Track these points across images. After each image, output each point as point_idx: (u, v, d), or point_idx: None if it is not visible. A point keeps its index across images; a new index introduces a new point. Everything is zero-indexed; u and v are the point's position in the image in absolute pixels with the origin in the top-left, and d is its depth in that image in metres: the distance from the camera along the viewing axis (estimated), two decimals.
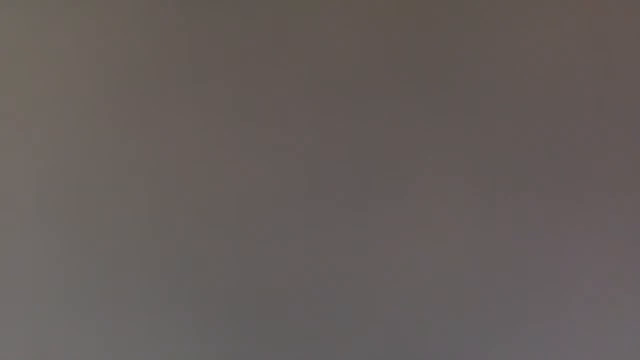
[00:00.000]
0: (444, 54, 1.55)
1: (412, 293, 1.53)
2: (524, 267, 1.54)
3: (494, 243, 1.54)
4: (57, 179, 1.50)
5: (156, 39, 1.53)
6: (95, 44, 1.52)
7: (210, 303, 1.51)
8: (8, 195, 1.50)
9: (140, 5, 1.53)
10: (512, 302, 1.54)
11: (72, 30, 1.52)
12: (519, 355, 1.53)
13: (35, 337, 1.50)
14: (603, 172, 1.55)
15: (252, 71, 1.53)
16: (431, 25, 1.55)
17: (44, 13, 1.52)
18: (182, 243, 1.52)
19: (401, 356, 1.53)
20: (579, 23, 1.56)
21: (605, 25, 1.56)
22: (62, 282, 1.50)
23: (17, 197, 1.50)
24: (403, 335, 1.53)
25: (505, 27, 1.55)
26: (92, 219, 1.51)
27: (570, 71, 1.56)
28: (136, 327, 1.51)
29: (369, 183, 1.53)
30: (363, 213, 1.53)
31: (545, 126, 1.55)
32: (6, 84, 1.51)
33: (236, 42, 1.53)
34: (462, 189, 1.54)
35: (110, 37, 1.52)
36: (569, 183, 1.55)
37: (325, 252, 1.53)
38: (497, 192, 1.54)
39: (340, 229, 1.53)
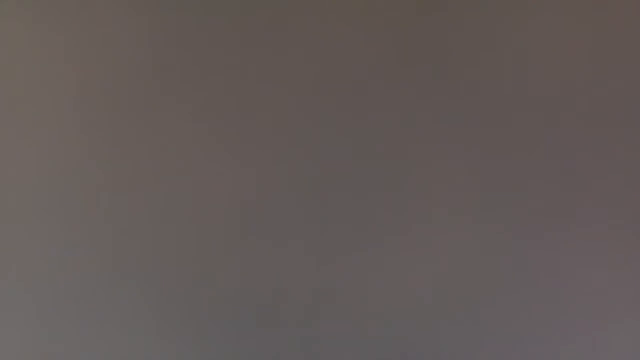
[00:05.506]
0: (445, 55, 1.55)
1: (412, 293, 1.54)
2: (523, 267, 1.54)
3: (494, 243, 1.54)
4: (57, 181, 1.51)
5: (157, 39, 1.53)
6: (96, 45, 1.52)
7: (210, 305, 1.52)
8: (8, 196, 1.50)
9: (140, 6, 1.53)
10: (511, 303, 1.54)
11: (72, 32, 1.52)
12: (518, 356, 1.54)
13: (35, 337, 1.50)
14: (605, 173, 1.55)
15: (251, 71, 1.53)
16: (433, 24, 1.55)
17: (43, 15, 1.52)
18: (182, 246, 1.52)
19: (401, 358, 1.53)
20: (580, 22, 1.56)
21: (606, 24, 1.56)
22: (62, 285, 1.50)
23: (17, 199, 1.50)
24: (403, 336, 1.53)
25: (507, 27, 1.55)
26: (92, 220, 1.51)
27: (572, 71, 1.56)
28: (136, 329, 1.51)
29: (369, 183, 1.54)
30: (363, 213, 1.53)
31: (546, 127, 1.55)
32: (6, 84, 1.51)
33: (236, 41, 1.53)
34: (463, 189, 1.54)
35: (110, 38, 1.52)
36: (570, 183, 1.55)
37: (325, 253, 1.53)
38: (497, 192, 1.54)
39: (340, 229, 1.53)
